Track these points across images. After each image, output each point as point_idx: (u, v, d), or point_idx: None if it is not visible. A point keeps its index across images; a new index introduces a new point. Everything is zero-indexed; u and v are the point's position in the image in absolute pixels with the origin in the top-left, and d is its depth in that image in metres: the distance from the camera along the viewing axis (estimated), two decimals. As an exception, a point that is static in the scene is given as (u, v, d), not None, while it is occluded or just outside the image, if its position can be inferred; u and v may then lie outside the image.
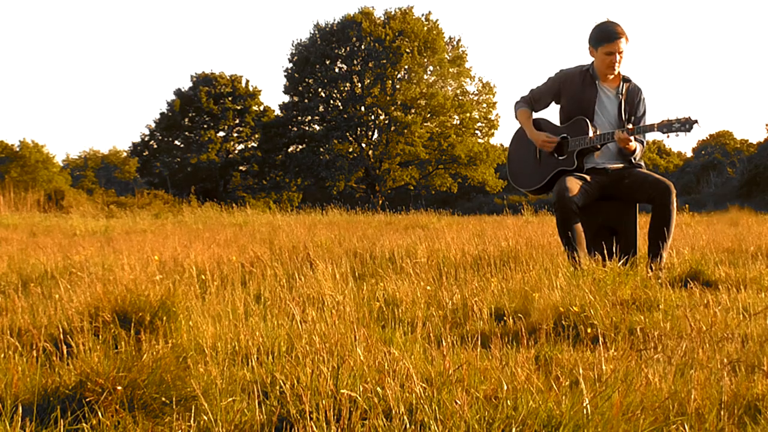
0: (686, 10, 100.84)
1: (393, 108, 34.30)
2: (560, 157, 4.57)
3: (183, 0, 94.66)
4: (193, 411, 1.87)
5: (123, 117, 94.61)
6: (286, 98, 36.50)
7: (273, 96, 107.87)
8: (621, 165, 4.53)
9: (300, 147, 35.84)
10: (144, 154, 38.90)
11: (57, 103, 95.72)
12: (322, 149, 34.85)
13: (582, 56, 4.94)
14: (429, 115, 34.92)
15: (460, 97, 35.19)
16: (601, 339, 2.53)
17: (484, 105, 35.84)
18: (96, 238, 8.83)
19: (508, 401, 1.78)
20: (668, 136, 4.24)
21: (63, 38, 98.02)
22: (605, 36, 4.43)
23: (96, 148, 57.39)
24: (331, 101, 35.60)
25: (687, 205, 11.87)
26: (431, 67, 34.86)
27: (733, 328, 2.77)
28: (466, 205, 32.34)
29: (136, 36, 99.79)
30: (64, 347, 2.24)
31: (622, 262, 3.85)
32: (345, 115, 34.40)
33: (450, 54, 35.42)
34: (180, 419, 1.89)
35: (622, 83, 4.57)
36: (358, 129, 35.05)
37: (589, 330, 2.72)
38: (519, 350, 2.38)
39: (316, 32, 35.60)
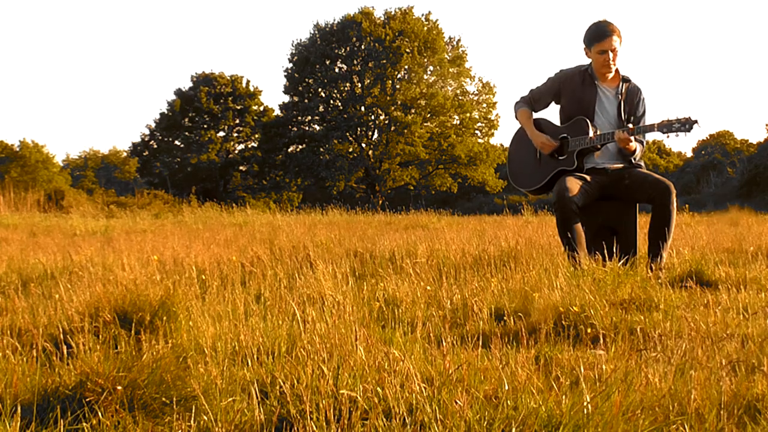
0: (686, 10, 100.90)
1: (393, 108, 34.31)
2: (560, 157, 4.57)
3: (183, 0, 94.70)
4: (193, 411, 1.87)
5: (123, 117, 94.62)
6: (286, 98, 36.54)
7: (273, 96, 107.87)
8: (621, 165, 4.53)
9: (300, 147, 35.85)
10: (144, 154, 38.91)
11: (57, 103, 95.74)
12: (322, 149, 34.86)
13: (582, 56, 4.96)
14: (429, 115, 34.93)
15: (460, 97, 35.20)
16: (601, 339, 2.53)
17: (484, 105, 35.86)
18: (96, 238, 8.83)
19: (509, 401, 1.78)
20: (668, 136, 4.24)
21: (63, 38, 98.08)
22: (597, 35, 4.44)
23: (96, 148, 57.36)
24: (331, 101, 35.61)
25: (687, 205, 11.87)
26: (431, 67, 34.88)
27: (733, 328, 2.78)
28: (466, 205, 32.32)
29: (136, 36, 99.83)
30: (64, 347, 2.24)
31: (622, 262, 3.85)
32: (345, 115, 34.41)
33: (450, 54, 35.43)
34: (180, 419, 1.89)
35: (621, 83, 4.57)
36: (358, 129, 35.05)
37: (589, 330, 2.72)
38: (519, 350, 2.38)
39: (316, 32, 35.61)
